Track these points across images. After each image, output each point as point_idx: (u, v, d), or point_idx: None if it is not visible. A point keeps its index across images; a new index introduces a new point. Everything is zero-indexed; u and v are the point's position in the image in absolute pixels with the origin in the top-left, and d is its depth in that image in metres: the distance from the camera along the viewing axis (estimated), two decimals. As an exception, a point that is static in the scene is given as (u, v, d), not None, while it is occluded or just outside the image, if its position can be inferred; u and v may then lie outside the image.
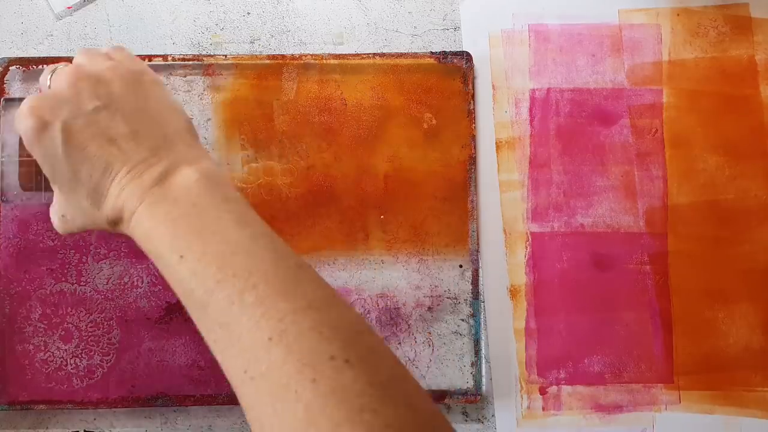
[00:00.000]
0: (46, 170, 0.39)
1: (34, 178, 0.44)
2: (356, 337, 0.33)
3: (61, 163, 0.38)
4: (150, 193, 0.37)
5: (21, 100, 0.43)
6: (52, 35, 0.53)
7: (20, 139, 0.43)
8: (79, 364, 0.49)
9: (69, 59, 0.51)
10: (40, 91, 0.42)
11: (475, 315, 0.51)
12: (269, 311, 0.33)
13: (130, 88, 0.39)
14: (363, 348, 0.33)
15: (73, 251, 0.50)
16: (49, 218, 0.50)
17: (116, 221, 0.38)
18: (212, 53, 0.53)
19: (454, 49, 0.54)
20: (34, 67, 0.51)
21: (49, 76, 0.40)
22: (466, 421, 0.50)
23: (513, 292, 0.51)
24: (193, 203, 0.36)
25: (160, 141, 0.38)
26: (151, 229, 0.36)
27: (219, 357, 0.35)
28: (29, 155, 0.41)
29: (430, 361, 0.50)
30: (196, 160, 0.38)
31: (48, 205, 0.42)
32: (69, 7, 0.53)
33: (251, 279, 0.34)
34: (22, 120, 0.38)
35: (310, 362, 0.31)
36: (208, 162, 0.39)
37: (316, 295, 0.34)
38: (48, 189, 0.42)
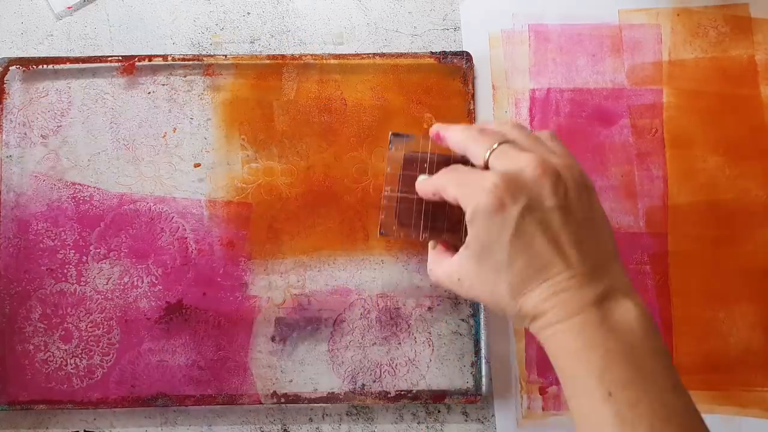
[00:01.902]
0: (477, 244, 0.38)
1: (413, 215, 0.44)
2: None
3: (500, 246, 0.37)
4: (586, 310, 0.36)
5: (408, 136, 0.46)
6: (52, 35, 0.53)
7: (401, 175, 0.45)
8: (79, 364, 0.49)
9: (69, 59, 0.51)
10: (440, 142, 0.43)
11: (475, 315, 0.51)
12: None
13: (581, 194, 0.38)
14: None
15: (73, 251, 0.50)
16: (49, 218, 0.50)
17: (530, 318, 0.38)
18: (212, 53, 0.53)
19: (454, 49, 0.54)
20: (34, 67, 0.51)
21: (488, 153, 0.39)
22: (466, 421, 0.50)
23: (513, 292, 0.51)
24: (631, 343, 0.35)
25: (601, 259, 0.38)
26: (580, 350, 0.36)
27: None
28: (410, 192, 0.43)
29: (430, 361, 0.50)
30: (631, 290, 0.38)
31: (421, 240, 0.44)
32: (69, 7, 0.53)
33: None
34: (480, 194, 0.37)
35: None
36: (639, 298, 0.38)
37: None
38: (425, 228, 0.44)
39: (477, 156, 0.40)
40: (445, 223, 0.44)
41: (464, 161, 0.42)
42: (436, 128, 0.43)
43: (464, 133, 0.41)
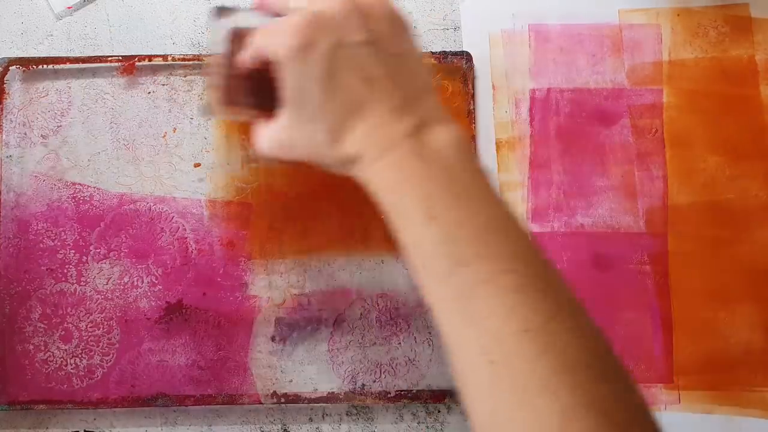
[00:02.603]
0: (290, 93, 0.37)
1: (240, 93, 0.41)
2: (606, 351, 0.33)
3: (313, 89, 0.36)
4: (402, 143, 0.35)
5: (233, 9, 0.42)
6: (52, 35, 0.53)
7: (229, 51, 0.41)
8: (79, 364, 0.49)
9: (69, 59, 0.51)
10: (260, 8, 0.40)
11: (475, 315, 0.51)
12: (527, 301, 0.32)
13: (393, 29, 0.37)
14: (612, 364, 0.32)
15: (73, 251, 0.50)
16: (49, 218, 0.50)
17: (350, 161, 0.37)
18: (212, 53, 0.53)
19: (454, 49, 0.54)
20: (34, 67, 0.51)
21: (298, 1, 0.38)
22: (466, 421, 0.50)
23: (513, 292, 0.51)
24: (448, 165, 0.35)
25: (414, 91, 0.37)
26: (399, 183, 0.35)
27: (448, 330, 0.33)
28: (236, 69, 0.39)
29: (430, 361, 0.50)
30: (446, 119, 0.37)
31: (246, 123, 0.39)
32: (69, 7, 0.53)
33: (508, 262, 0.33)
34: (283, 36, 0.36)
35: (570, 366, 0.30)
36: (456, 124, 0.37)
37: (569, 296, 0.33)
38: (252, 106, 0.40)
39: (288, 3, 0.38)
40: (273, 102, 0.40)
41: None
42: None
43: None
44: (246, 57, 0.40)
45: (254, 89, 0.40)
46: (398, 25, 0.38)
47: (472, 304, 0.32)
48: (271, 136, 0.39)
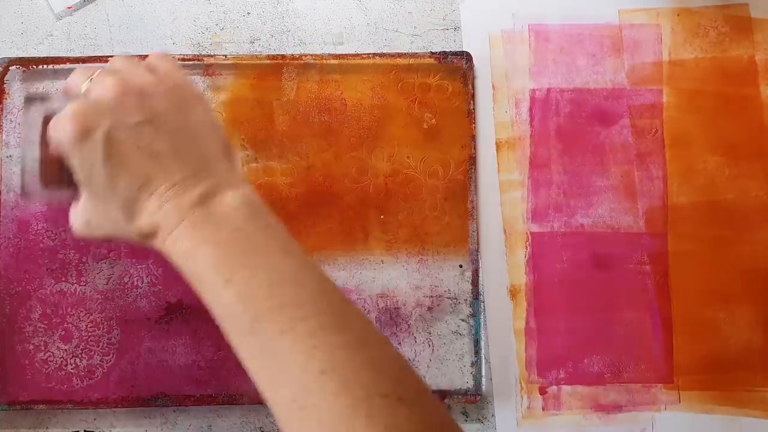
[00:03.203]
0: (80, 176, 0.38)
1: (56, 176, 0.42)
2: (405, 376, 0.34)
3: (98, 172, 0.37)
4: (192, 212, 0.37)
5: (42, 98, 0.43)
6: (52, 35, 0.53)
7: (41, 137, 0.42)
8: (79, 364, 0.49)
9: (69, 59, 0.51)
10: (65, 94, 0.41)
11: (475, 315, 0.51)
12: (322, 344, 0.33)
13: (173, 105, 0.39)
14: (412, 387, 0.34)
15: (73, 251, 0.50)
16: (49, 219, 0.50)
17: (149, 236, 0.38)
18: (212, 53, 0.53)
19: (454, 49, 0.54)
20: (34, 67, 0.51)
21: (86, 82, 0.39)
22: (466, 421, 0.50)
23: (513, 292, 0.51)
24: (237, 227, 0.36)
25: (202, 161, 0.38)
26: (193, 249, 0.36)
27: (261, 383, 0.35)
28: (50, 153, 0.40)
29: (430, 361, 0.50)
30: (237, 184, 0.38)
31: (68, 204, 0.41)
32: (69, 7, 0.53)
33: (302, 309, 0.34)
34: (63, 124, 0.37)
35: (365, 397, 0.32)
36: (248, 187, 0.39)
37: (364, 330, 0.35)
38: (69, 187, 0.41)
39: (73, 89, 0.40)
40: None
41: None
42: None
43: (75, 72, 0.41)
44: (55, 150, 0.40)
45: (66, 172, 0.41)
46: (181, 98, 0.39)
47: (276, 356, 0.34)
48: (78, 216, 0.40)
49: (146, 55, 0.42)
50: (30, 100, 0.44)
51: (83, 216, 0.39)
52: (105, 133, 0.37)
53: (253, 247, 0.36)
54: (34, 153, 0.42)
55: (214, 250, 0.36)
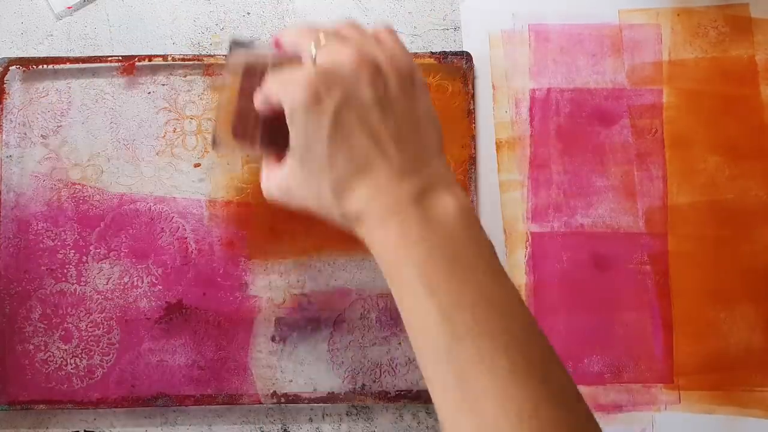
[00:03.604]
0: (298, 144, 0.37)
1: (249, 128, 0.40)
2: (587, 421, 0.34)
3: (319, 143, 0.36)
4: (406, 208, 0.35)
5: (247, 45, 0.41)
6: (52, 35, 0.53)
7: (241, 86, 0.41)
8: (79, 364, 0.49)
9: (69, 59, 0.51)
10: (277, 47, 0.40)
11: (475, 315, 0.51)
12: (522, 385, 0.32)
13: (404, 86, 0.37)
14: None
15: (73, 251, 0.50)
16: (49, 218, 0.50)
17: (354, 220, 0.37)
18: (212, 53, 0.53)
19: (454, 49, 0.54)
20: (34, 67, 0.51)
21: (312, 46, 0.37)
22: (466, 421, 0.50)
23: (513, 292, 0.51)
24: (450, 235, 0.35)
25: (421, 154, 0.37)
26: (401, 248, 0.35)
27: (443, 408, 0.33)
28: (249, 104, 0.39)
29: (430, 361, 0.50)
30: (452, 184, 0.37)
31: (256, 159, 0.39)
32: (69, 7, 0.53)
33: (506, 342, 0.32)
34: (294, 89, 0.36)
35: None
36: (462, 191, 0.37)
37: (563, 382, 0.33)
38: (261, 144, 0.40)
39: (305, 52, 0.38)
40: (284, 141, 0.39)
41: None
42: (276, 35, 0.41)
43: (296, 32, 0.39)
44: (259, 102, 0.40)
45: (265, 127, 0.40)
46: (410, 82, 0.38)
47: (467, 385, 0.32)
48: (278, 181, 0.39)
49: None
50: (235, 44, 0.41)
51: (285, 181, 0.38)
52: (335, 106, 0.35)
53: (463, 261, 0.34)
54: (231, 102, 0.41)
55: (423, 255, 0.34)
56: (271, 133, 0.39)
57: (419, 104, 0.38)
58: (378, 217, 0.36)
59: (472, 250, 0.35)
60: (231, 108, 0.41)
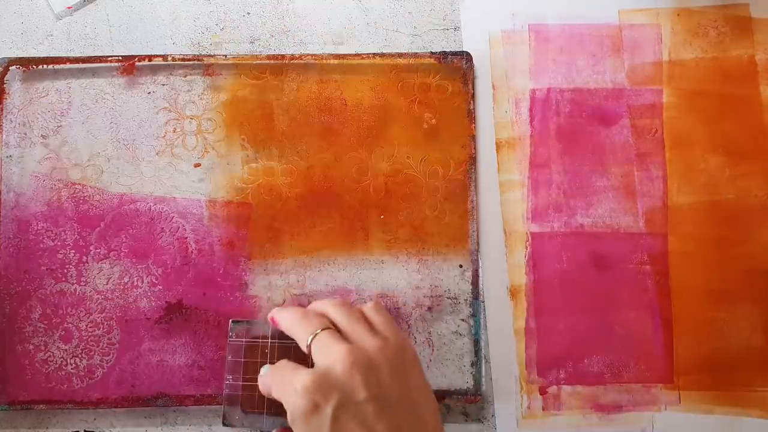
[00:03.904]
0: None
1: (256, 402, 0.45)
2: None
3: None
4: None
5: (248, 323, 0.46)
6: (52, 35, 0.53)
7: (243, 363, 0.45)
8: (79, 364, 0.49)
9: (69, 59, 0.51)
10: (273, 324, 0.44)
11: (475, 315, 0.51)
12: None
13: (396, 375, 0.40)
14: None
15: (73, 251, 0.50)
16: (49, 218, 0.50)
17: None
18: (212, 53, 0.53)
19: (454, 49, 0.54)
20: (34, 67, 0.51)
21: (309, 340, 0.41)
22: (466, 421, 0.50)
23: (513, 292, 0.51)
24: None
25: None
26: None
27: None
28: (252, 379, 0.43)
29: (430, 361, 0.50)
30: None
31: (264, 429, 0.44)
32: (69, 7, 0.53)
33: None
34: (294, 399, 0.38)
35: None
36: None
37: None
38: (269, 414, 0.44)
39: (301, 343, 0.41)
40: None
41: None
42: (272, 312, 0.44)
43: (291, 318, 0.42)
44: (263, 391, 0.43)
45: (270, 400, 0.43)
46: (402, 366, 0.40)
47: None
48: None
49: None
50: (236, 323, 0.46)
51: None
52: (333, 411, 0.38)
53: None
54: (237, 379, 0.45)
55: None
56: (277, 403, 0.42)
57: (413, 385, 0.40)
58: None
59: None
60: (237, 385, 0.45)
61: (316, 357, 0.40)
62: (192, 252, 0.51)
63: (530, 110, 0.53)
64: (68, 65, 0.52)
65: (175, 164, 0.52)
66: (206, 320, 0.50)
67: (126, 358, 0.50)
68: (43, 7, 0.53)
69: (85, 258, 0.50)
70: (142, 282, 0.50)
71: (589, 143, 0.53)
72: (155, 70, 0.52)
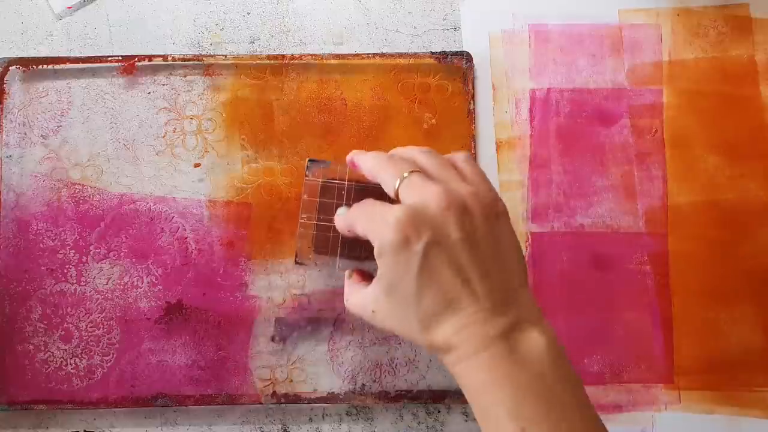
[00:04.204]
0: (385, 278, 0.38)
1: (329, 244, 0.44)
2: None
3: (408, 281, 0.37)
4: (494, 344, 0.36)
5: (323, 162, 0.46)
6: (52, 35, 0.53)
7: (318, 203, 0.44)
8: (79, 364, 0.49)
9: (69, 59, 0.51)
10: (355, 168, 0.42)
11: (475, 315, 0.51)
12: None
13: (488, 223, 0.38)
14: None
15: (73, 251, 0.50)
16: (49, 218, 0.50)
17: (441, 350, 0.38)
18: (212, 53, 0.53)
19: (454, 49, 0.54)
20: (34, 67, 0.51)
21: (398, 183, 0.39)
22: (466, 421, 0.50)
23: (513, 292, 0.51)
24: (540, 373, 0.36)
25: (508, 289, 0.38)
26: (489, 385, 0.36)
27: None
28: (328, 220, 0.43)
29: (430, 361, 0.50)
30: (539, 321, 0.38)
31: (337, 271, 0.43)
32: (69, 7, 0.53)
33: None
34: (384, 230, 0.37)
35: None
36: (550, 327, 0.38)
37: None
38: (342, 256, 0.43)
39: (388, 186, 0.40)
40: (363, 252, 0.44)
41: (380, 190, 0.41)
42: (351, 155, 0.43)
43: (375, 161, 0.41)
44: (342, 228, 0.42)
45: (344, 241, 0.43)
46: (496, 217, 0.39)
47: None
48: (363, 302, 0.40)
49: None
50: (312, 161, 0.45)
51: (371, 304, 0.39)
52: (424, 247, 0.36)
53: (554, 400, 0.35)
54: (312, 218, 0.44)
55: (512, 393, 0.35)
56: (350, 246, 0.42)
57: (503, 237, 0.39)
58: (465, 352, 0.37)
59: (561, 389, 0.36)
60: (311, 224, 0.44)
61: (406, 199, 0.38)
62: (192, 252, 0.51)
63: (530, 110, 0.53)
64: (68, 65, 0.52)
65: (175, 164, 0.52)
66: (206, 320, 0.50)
67: (126, 358, 0.50)
68: (43, 7, 0.53)
69: (85, 258, 0.50)
70: (142, 282, 0.50)
71: (589, 143, 0.53)
72: (155, 70, 0.52)
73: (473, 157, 0.41)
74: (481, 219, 0.38)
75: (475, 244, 0.37)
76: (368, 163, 0.41)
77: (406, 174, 0.39)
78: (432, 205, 0.37)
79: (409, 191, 0.38)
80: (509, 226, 0.40)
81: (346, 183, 0.45)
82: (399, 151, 0.42)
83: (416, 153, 0.41)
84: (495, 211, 0.39)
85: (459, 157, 0.41)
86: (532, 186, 0.52)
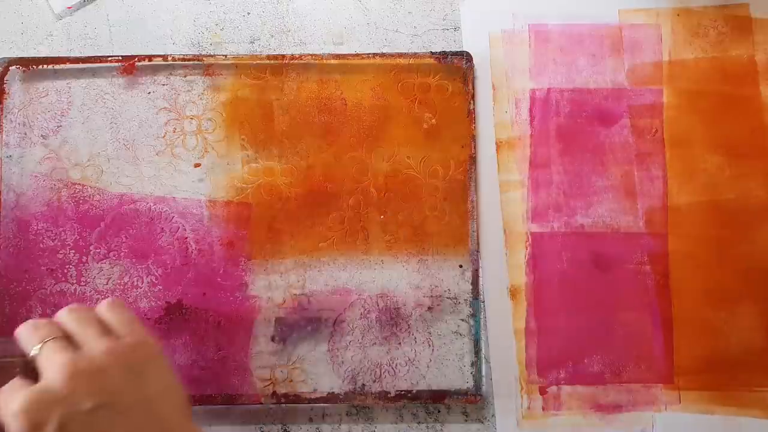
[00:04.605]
0: None
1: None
2: None
3: None
4: None
5: (5, 360, 0.40)
6: (52, 35, 0.53)
7: None
8: (79, 364, 0.49)
9: (69, 59, 0.51)
10: (17, 339, 0.39)
11: (475, 315, 0.51)
12: None
13: (129, 376, 0.37)
14: None
15: (73, 251, 0.50)
16: (49, 218, 0.50)
17: None
18: (212, 53, 0.53)
19: (454, 49, 0.54)
20: (34, 67, 0.51)
21: (38, 347, 0.37)
22: (466, 421, 0.50)
23: (513, 292, 0.51)
24: None
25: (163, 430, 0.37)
26: None
27: None
28: None
29: (430, 361, 0.50)
30: None
31: None
32: (69, 7, 0.53)
33: None
34: (12, 422, 0.35)
35: None
36: None
37: None
38: None
39: (28, 350, 0.38)
40: None
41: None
42: (18, 329, 0.40)
43: (21, 330, 0.39)
44: None
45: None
46: (136, 366, 0.38)
47: None
48: None
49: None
50: None
51: None
52: (56, 427, 0.35)
53: None
54: None
55: None
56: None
57: (151, 382, 0.38)
58: None
59: None
60: None
61: (43, 372, 0.36)
62: (192, 252, 0.51)
63: (530, 110, 0.53)
64: (68, 65, 0.52)
65: (175, 164, 0.52)
66: (206, 320, 0.50)
67: (126, 358, 0.50)
68: (43, 7, 0.53)
69: (85, 258, 0.50)
70: (142, 282, 0.50)
71: (589, 143, 0.53)
72: (155, 70, 0.52)
73: (120, 302, 0.40)
74: (120, 375, 0.37)
75: (115, 404, 0.36)
76: (23, 332, 0.39)
77: (38, 346, 0.37)
78: (57, 380, 0.36)
79: (44, 363, 0.37)
80: (159, 369, 0.38)
81: (12, 359, 0.39)
82: (59, 313, 0.40)
83: (61, 314, 0.39)
84: (138, 360, 0.38)
85: (102, 307, 0.40)
86: (532, 186, 0.52)
